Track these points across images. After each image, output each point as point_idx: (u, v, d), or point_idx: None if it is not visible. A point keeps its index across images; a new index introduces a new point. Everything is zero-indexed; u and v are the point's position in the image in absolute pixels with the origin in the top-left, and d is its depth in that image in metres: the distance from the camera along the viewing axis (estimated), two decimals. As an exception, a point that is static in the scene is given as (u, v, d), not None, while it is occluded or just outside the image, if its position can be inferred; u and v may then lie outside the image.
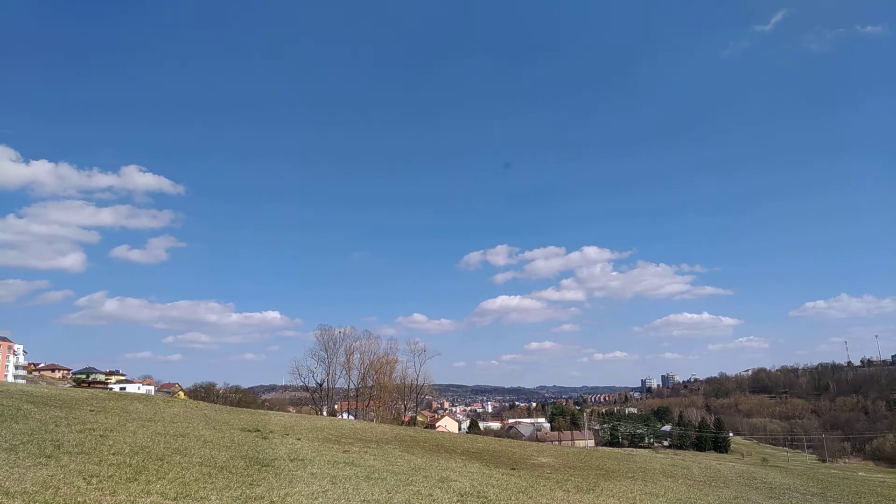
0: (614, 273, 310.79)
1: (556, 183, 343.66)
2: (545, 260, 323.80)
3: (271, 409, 62.97)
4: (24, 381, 79.28)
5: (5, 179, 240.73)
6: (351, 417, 67.42)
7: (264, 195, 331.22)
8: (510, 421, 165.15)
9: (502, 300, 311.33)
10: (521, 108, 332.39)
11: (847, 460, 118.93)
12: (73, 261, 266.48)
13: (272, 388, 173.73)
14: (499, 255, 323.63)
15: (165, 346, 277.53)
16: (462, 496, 11.61)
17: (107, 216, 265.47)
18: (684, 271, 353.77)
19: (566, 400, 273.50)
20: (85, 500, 7.87)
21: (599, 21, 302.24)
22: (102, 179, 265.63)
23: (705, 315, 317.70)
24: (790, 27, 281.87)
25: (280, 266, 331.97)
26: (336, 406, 79.01)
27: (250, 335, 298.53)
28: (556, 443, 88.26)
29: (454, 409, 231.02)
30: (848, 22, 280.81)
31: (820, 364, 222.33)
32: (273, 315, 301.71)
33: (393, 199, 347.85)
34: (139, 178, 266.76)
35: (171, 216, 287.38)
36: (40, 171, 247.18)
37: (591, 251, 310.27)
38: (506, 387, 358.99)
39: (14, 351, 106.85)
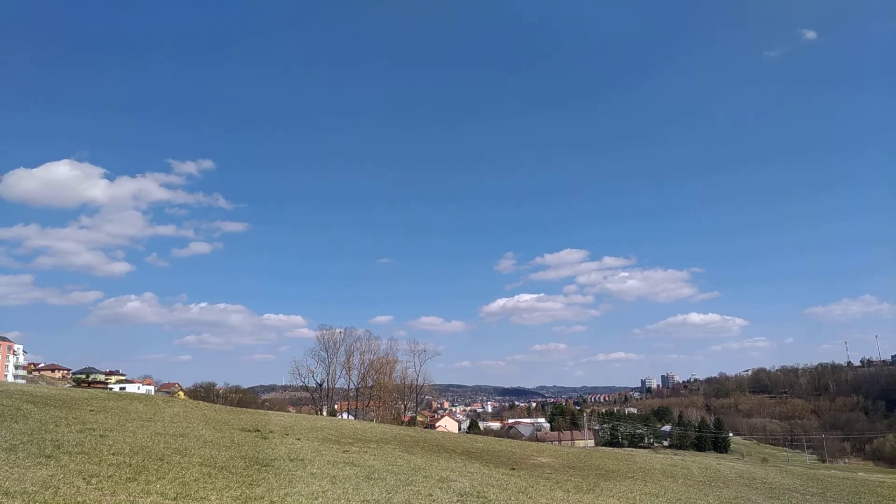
0: (624, 274, 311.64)
1: (567, 184, 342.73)
2: (556, 263, 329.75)
3: (271, 409, 62.96)
4: (23, 381, 79.27)
5: (88, 195, 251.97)
6: (351, 417, 67.43)
7: (304, 200, 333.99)
8: (510, 421, 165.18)
9: (513, 302, 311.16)
10: (538, 109, 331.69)
11: (847, 460, 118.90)
12: (120, 268, 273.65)
13: (272, 388, 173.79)
14: (512, 258, 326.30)
15: (180, 347, 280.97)
16: (462, 496, 11.61)
17: (167, 229, 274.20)
18: (697, 276, 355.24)
19: (566, 400, 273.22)
20: (85, 500, 7.87)
21: (619, 22, 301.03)
22: (180, 196, 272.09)
23: (707, 316, 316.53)
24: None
25: (308, 269, 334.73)
26: (336, 406, 79.04)
27: (264, 335, 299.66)
28: (556, 443, 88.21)
29: (454, 409, 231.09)
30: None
31: (820, 364, 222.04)
32: (295, 318, 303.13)
33: (412, 201, 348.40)
34: (220, 203, 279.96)
35: (225, 226, 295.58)
36: (120, 185, 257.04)
37: (600, 255, 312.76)
38: (506, 387, 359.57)
39: (14, 351, 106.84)
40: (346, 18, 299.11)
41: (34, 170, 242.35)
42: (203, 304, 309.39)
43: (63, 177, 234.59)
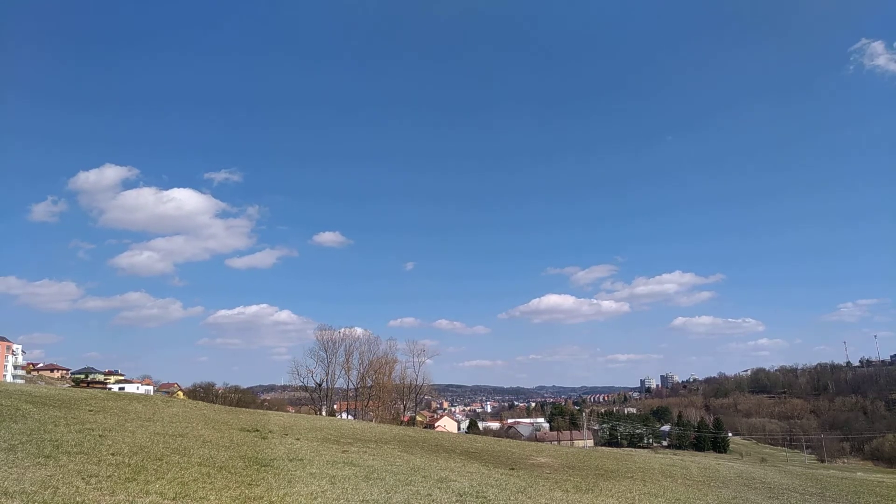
0: (632, 280, 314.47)
1: (573, 185, 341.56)
2: (572, 267, 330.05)
3: (270, 409, 62.93)
4: (22, 382, 79.20)
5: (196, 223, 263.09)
6: (350, 417, 67.41)
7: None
8: (509, 421, 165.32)
9: (527, 305, 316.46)
10: (552, 109, 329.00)
11: (846, 460, 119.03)
12: (181, 281, 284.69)
13: (271, 389, 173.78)
14: (525, 262, 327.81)
15: (198, 348, 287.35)
16: (461, 496, 11.61)
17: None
18: (703, 277, 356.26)
19: (565, 400, 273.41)
20: (84, 500, 7.87)
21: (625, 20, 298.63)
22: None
23: (714, 318, 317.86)
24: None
25: (333, 269, 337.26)
26: (335, 406, 79.00)
27: (282, 335, 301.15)
28: (556, 443, 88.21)
29: (453, 409, 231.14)
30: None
31: (819, 364, 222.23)
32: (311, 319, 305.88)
33: (425, 200, 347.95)
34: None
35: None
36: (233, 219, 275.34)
37: (617, 259, 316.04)
38: (505, 387, 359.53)
39: (13, 351, 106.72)
40: (365, 15, 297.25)
41: (165, 192, 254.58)
42: (237, 309, 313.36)
43: (180, 204, 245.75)
